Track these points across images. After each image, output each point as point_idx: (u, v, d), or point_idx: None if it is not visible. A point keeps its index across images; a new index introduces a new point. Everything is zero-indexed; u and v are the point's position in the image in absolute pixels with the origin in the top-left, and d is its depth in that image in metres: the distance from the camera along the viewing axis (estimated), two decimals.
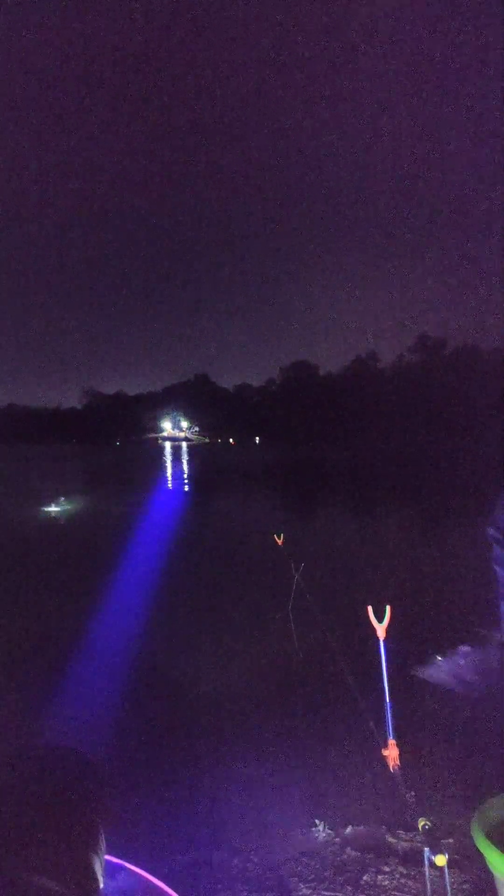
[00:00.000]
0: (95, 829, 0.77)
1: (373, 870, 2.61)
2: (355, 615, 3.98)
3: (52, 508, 16.66)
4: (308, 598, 5.68)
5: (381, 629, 2.92)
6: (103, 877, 0.75)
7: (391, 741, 2.88)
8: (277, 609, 6.42)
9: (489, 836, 2.02)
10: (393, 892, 2.47)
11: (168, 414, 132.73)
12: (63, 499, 17.48)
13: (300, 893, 2.50)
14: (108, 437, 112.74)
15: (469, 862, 2.56)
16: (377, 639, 2.92)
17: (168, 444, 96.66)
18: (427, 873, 2.07)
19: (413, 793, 2.93)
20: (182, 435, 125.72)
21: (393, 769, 2.88)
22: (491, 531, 1.63)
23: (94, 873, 0.73)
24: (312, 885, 2.54)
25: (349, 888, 2.51)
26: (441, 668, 4.10)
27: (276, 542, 7.05)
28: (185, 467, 40.15)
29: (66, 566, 10.09)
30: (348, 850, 2.76)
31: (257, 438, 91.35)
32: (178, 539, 12.09)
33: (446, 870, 1.99)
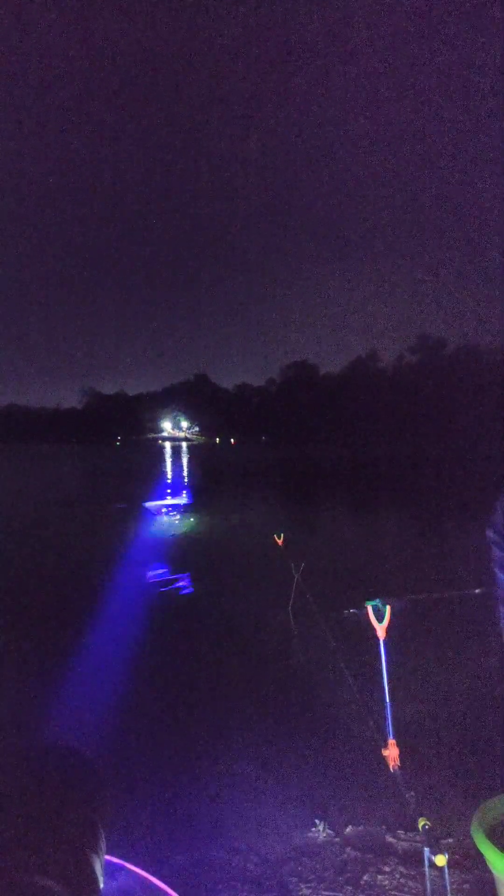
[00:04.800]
0: (95, 829, 0.77)
1: (373, 870, 2.61)
2: (355, 614, 3.98)
3: None
4: (308, 597, 5.67)
5: (380, 629, 2.92)
6: (103, 877, 0.75)
7: (391, 741, 2.88)
8: (277, 608, 6.42)
9: (489, 836, 2.02)
10: (393, 892, 2.47)
11: (168, 414, 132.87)
12: None
13: (300, 893, 2.50)
14: (108, 437, 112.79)
15: (469, 862, 2.56)
16: (377, 638, 2.92)
17: (168, 445, 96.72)
18: (427, 873, 2.07)
19: (413, 793, 2.93)
20: (182, 435, 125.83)
21: (393, 769, 2.88)
22: (490, 533, 1.63)
23: (94, 873, 0.73)
24: (312, 885, 2.54)
25: (349, 888, 2.51)
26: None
27: (277, 543, 7.04)
28: (186, 467, 40.15)
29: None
30: (348, 850, 2.76)
31: (263, 438, 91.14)
32: (178, 536, 12.10)
33: (446, 870, 1.98)
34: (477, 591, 5.71)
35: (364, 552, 10.43)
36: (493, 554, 1.64)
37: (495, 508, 1.65)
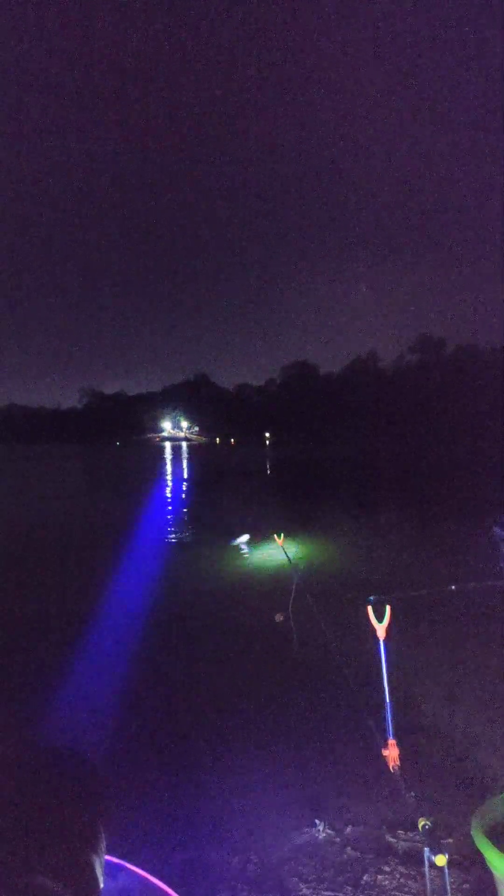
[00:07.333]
0: (95, 829, 0.77)
1: (373, 870, 2.61)
2: (355, 615, 3.99)
3: None
4: (308, 597, 5.67)
5: (380, 629, 2.92)
6: (103, 877, 0.75)
7: (391, 741, 2.88)
8: (277, 608, 6.42)
9: (489, 836, 2.02)
10: (393, 892, 2.47)
11: (168, 414, 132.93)
12: None
13: (300, 893, 2.50)
14: (108, 437, 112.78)
15: (469, 862, 2.56)
16: (377, 639, 2.92)
17: (168, 445, 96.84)
18: (427, 873, 2.07)
19: (413, 793, 2.93)
20: (182, 435, 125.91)
21: (393, 769, 2.88)
22: (498, 530, 1.64)
23: (94, 873, 0.73)
24: (312, 885, 2.55)
25: (349, 888, 2.51)
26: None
27: (277, 543, 7.05)
28: (186, 467, 40.18)
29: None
30: (348, 850, 2.76)
31: (266, 437, 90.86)
32: (178, 532, 12.11)
33: (446, 870, 1.98)
34: (472, 584, 5.73)
35: (364, 552, 10.42)
36: (501, 551, 1.64)
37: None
